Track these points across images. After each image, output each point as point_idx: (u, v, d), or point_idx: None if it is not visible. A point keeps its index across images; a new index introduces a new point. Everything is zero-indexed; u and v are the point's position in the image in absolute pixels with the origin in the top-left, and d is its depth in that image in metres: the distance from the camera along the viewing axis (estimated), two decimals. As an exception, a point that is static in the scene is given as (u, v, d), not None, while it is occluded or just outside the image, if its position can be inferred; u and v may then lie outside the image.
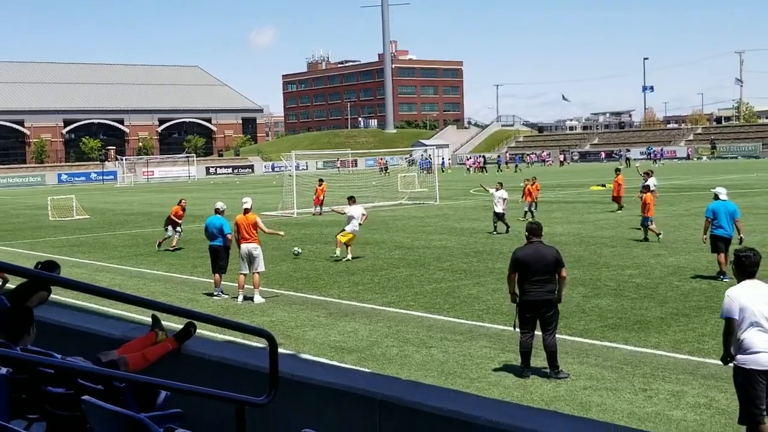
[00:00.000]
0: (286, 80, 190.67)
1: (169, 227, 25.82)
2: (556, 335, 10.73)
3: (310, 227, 30.28)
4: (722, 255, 16.40)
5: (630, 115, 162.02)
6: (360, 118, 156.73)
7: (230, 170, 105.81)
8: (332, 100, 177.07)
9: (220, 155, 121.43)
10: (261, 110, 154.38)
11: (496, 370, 10.89)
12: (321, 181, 36.94)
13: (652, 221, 23.37)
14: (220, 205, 17.81)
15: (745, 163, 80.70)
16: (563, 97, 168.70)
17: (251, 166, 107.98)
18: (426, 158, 72.66)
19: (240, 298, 16.50)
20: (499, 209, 26.34)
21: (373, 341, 12.75)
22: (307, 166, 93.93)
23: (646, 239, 23.23)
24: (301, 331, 13.65)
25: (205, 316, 5.13)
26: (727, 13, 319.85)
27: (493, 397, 9.30)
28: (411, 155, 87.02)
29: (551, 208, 35.40)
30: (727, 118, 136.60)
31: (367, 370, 10.52)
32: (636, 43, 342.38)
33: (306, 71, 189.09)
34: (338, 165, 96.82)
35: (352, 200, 22.97)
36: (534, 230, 10.93)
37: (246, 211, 16.90)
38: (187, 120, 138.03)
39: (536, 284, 10.50)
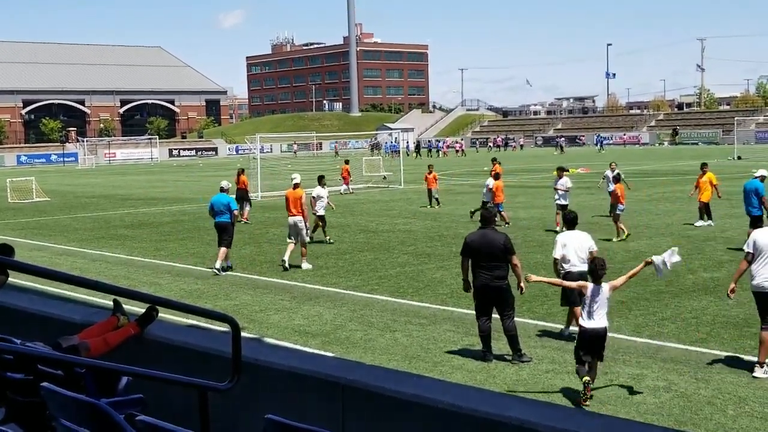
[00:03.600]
0: (251, 62, 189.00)
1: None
2: (518, 319, 10.82)
3: (275, 210, 30.13)
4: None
5: (593, 101, 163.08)
6: (325, 101, 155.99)
7: (193, 152, 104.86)
8: (297, 83, 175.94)
9: (183, 137, 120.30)
10: (225, 92, 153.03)
11: (459, 353, 10.96)
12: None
13: (502, 208, 24.00)
14: (224, 183, 18.65)
15: (706, 149, 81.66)
16: (527, 81, 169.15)
17: (215, 149, 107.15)
18: (393, 142, 72.66)
19: (286, 263, 17.65)
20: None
21: (338, 325, 12.76)
22: (271, 148, 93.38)
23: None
24: (265, 315, 13.62)
25: (168, 301, 5.09)
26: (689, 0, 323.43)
27: (457, 381, 9.37)
28: (375, 138, 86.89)
29: (515, 192, 35.55)
30: (689, 105, 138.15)
31: (331, 354, 10.53)
32: (600, 29, 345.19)
33: (270, 53, 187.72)
34: (294, 149, 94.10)
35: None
36: (484, 218, 11.06)
37: (296, 186, 18.40)
38: (150, 101, 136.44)
39: (484, 270, 10.59)
